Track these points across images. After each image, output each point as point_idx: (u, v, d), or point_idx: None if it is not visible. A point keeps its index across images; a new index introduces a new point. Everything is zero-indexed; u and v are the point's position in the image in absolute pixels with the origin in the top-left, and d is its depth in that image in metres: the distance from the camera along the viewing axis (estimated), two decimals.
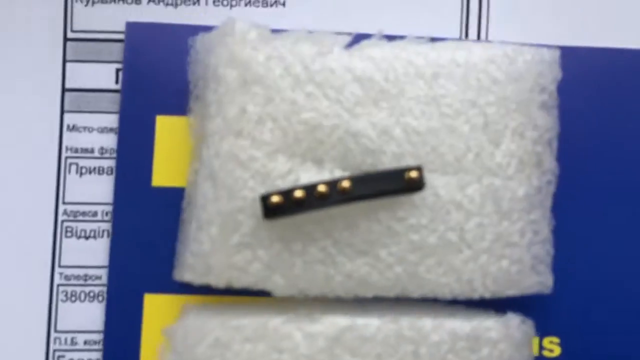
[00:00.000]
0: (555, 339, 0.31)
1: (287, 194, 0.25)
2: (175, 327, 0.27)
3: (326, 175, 0.27)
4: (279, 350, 0.26)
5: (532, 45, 0.29)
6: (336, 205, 0.26)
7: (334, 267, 0.27)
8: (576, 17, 0.32)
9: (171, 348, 0.26)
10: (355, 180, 0.26)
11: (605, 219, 0.31)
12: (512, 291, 0.28)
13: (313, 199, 0.25)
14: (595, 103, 0.31)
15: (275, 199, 0.25)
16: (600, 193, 0.31)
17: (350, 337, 0.26)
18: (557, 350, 0.31)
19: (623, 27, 0.32)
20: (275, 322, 0.26)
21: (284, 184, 0.27)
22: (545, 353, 0.31)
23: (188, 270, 0.27)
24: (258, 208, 0.26)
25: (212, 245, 0.27)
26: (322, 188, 0.25)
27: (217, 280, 0.27)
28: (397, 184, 0.26)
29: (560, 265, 0.30)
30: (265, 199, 0.26)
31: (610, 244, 0.31)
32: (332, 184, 0.25)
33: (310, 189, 0.25)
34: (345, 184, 0.25)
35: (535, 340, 0.31)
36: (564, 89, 0.30)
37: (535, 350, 0.31)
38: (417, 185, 0.26)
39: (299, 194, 0.25)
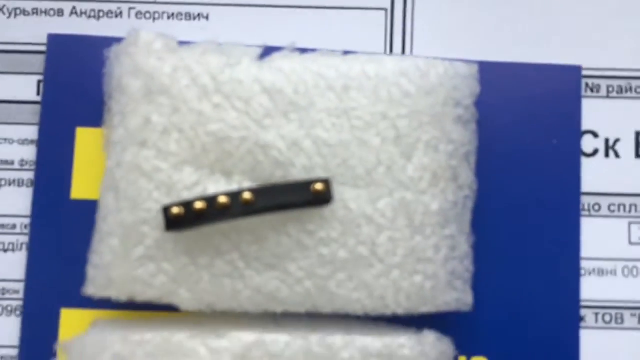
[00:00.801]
0: (483, 359, 0.31)
1: (187, 205, 0.25)
2: (73, 341, 0.26)
3: (235, 188, 0.27)
4: None
5: (448, 59, 0.29)
6: (238, 217, 0.26)
7: (242, 281, 0.27)
8: (496, 33, 0.33)
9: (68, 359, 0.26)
10: (258, 192, 0.25)
11: (528, 233, 0.31)
12: (426, 308, 0.28)
13: (214, 211, 0.25)
14: (516, 117, 0.32)
15: (175, 210, 0.25)
16: (521, 207, 0.31)
17: (257, 354, 0.26)
18: None
19: (542, 41, 0.33)
20: (180, 337, 0.26)
21: (191, 196, 0.26)
22: None
23: (89, 283, 0.27)
24: (162, 220, 0.26)
25: (114, 258, 0.26)
26: (223, 199, 0.25)
27: (119, 293, 0.26)
28: (302, 196, 0.26)
29: (484, 282, 0.30)
30: (166, 210, 0.25)
31: (532, 258, 0.31)
32: (234, 196, 0.25)
33: (211, 200, 0.25)
34: (247, 195, 0.25)
35: None
36: (484, 104, 0.30)
37: None
38: (323, 197, 0.26)
39: (199, 205, 0.25)
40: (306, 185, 0.26)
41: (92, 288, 0.27)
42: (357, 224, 0.27)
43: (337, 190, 0.27)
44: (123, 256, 0.26)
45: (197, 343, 0.26)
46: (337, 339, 0.26)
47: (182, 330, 0.26)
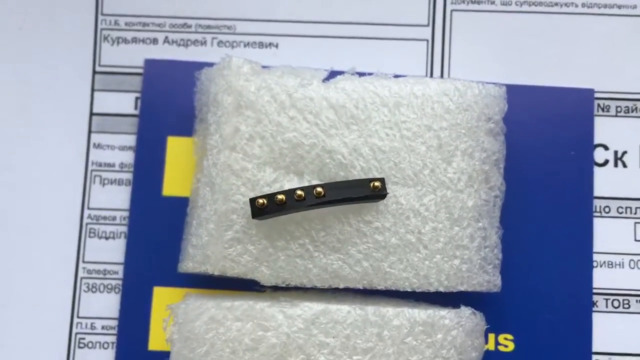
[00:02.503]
0: (509, 336, 0.34)
1: (271, 197, 0.30)
2: (178, 305, 0.30)
3: (306, 185, 0.31)
4: (263, 328, 0.30)
5: (481, 82, 0.33)
6: (312, 207, 0.30)
7: (312, 261, 0.31)
8: (521, 60, 0.36)
9: (174, 321, 0.30)
10: (328, 187, 0.30)
11: (548, 230, 0.35)
12: (462, 287, 0.32)
13: (292, 202, 0.30)
14: (538, 132, 0.35)
15: (260, 200, 0.30)
16: (543, 207, 0.35)
17: (324, 320, 0.30)
18: (511, 346, 0.34)
19: (561, 68, 0.36)
20: (262, 305, 0.30)
21: (270, 191, 0.31)
22: (501, 348, 0.34)
23: (189, 260, 0.31)
24: (248, 210, 0.31)
25: (210, 239, 0.31)
26: (300, 192, 0.29)
27: (213, 268, 0.31)
28: (363, 191, 0.30)
29: (511, 269, 0.34)
30: (253, 201, 0.30)
31: (552, 251, 0.35)
32: (309, 190, 0.30)
33: (290, 193, 0.30)
34: (320, 189, 0.30)
35: (492, 337, 0.34)
36: (511, 120, 0.34)
37: (491, 346, 0.34)
38: (380, 193, 0.30)
39: (280, 196, 0.29)
40: (367, 182, 0.30)
41: (190, 264, 0.31)
42: (406, 216, 0.31)
43: (390, 188, 0.31)
44: (217, 238, 0.31)
45: (276, 310, 0.30)
46: (390, 310, 0.31)
47: (263, 300, 0.31)
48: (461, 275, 0.32)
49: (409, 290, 0.32)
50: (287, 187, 0.31)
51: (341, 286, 0.31)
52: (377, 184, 0.30)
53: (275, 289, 0.32)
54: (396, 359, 0.30)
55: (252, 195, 0.31)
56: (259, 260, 0.31)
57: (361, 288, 0.32)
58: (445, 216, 0.32)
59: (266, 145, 0.32)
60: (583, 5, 0.37)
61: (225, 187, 0.31)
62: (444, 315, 0.31)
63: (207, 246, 0.31)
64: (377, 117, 0.32)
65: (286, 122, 0.32)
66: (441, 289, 0.32)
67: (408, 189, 0.32)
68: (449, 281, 0.32)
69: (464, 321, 0.31)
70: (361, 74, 0.33)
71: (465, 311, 0.32)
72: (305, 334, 0.30)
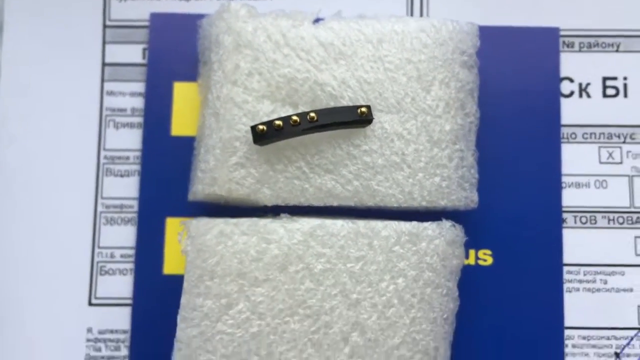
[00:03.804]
0: (488, 251, 0.37)
1: (269, 123, 0.33)
2: (190, 220, 0.34)
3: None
4: (267, 241, 0.33)
5: (456, 20, 0.36)
6: (307, 132, 0.33)
7: (308, 181, 0.34)
8: (495, 2, 0.39)
9: (187, 235, 0.33)
10: (321, 112, 0.33)
11: (520, 154, 0.38)
12: (443, 202, 0.35)
13: (289, 127, 0.33)
14: (509, 67, 0.38)
15: (260, 127, 0.33)
16: (516, 134, 0.38)
17: (321, 232, 0.34)
18: (489, 260, 0.37)
19: (529, 9, 0.39)
20: (265, 221, 0.34)
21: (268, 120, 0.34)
22: (480, 262, 0.37)
23: (198, 183, 0.34)
24: (250, 138, 0.34)
25: (216, 163, 0.34)
26: (295, 118, 0.33)
27: (220, 189, 0.34)
28: (352, 116, 0.33)
29: (488, 190, 0.37)
30: (253, 128, 0.33)
31: (525, 173, 0.38)
32: (303, 115, 0.33)
33: (287, 119, 0.33)
34: (313, 114, 0.33)
35: (472, 252, 0.37)
36: (484, 56, 0.37)
37: (472, 261, 0.37)
38: (367, 118, 0.34)
39: (278, 122, 0.33)
40: (355, 108, 0.34)
41: (200, 186, 0.34)
42: (391, 139, 0.35)
43: (376, 115, 0.34)
44: (222, 162, 0.34)
45: (277, 225, 0.34)
46: (378, 223, 0.34)
47: (266, 218, 0.34)
48: (441, 192, 0.35)
49: (395, 205, 0.35)
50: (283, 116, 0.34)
51: (335, 204, 0.35)
52: (363, 109, 0.34)
53: (276, 214, 0.35)
54: (385, 265, 0.34)
55: (253, 124, 0.34)
56: (261, 182, 0.34)
57: (353, 205, 0.35)
58: (425, 139, 0.35)
59: (264, 80, 0.35)
60: None
61: (228, 117, 0.34)
62: (427, 226, 0.34)
63: (214, 170, 0.34)
64: (362, 52, 0.35)
65: (281, 59, 0.35)
66: (424, 204, 0.35)
67: (392, 116, 0.35)
68: (430, 196, 0.35)
69: (444, 232, 0.35)
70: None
71: (446, 223, 0.35)
72: (304, 245, 0.34)
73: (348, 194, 0.35)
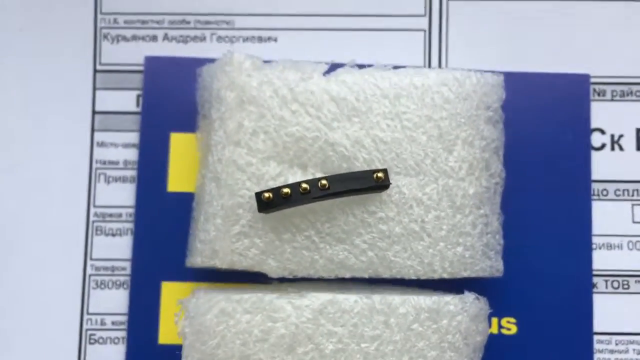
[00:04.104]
0: (512, 319, 0.35)
1: (276, 190, 0.30)
2: (189, 299, 0.31)
3: (309, 177, 0.31)
4: (273, 320, 0.31)
5: (479, 70, 0.34)
6: (317, 200, 0.31)
7: (318, 252, 0.32)
8: (518, 48, 0.37)
9: (185, 315, 0.31)
10: (332, 179, 0.30)
11: (549, 213, 0.35)
12: (466, 273, 0.32)
13: (298, 195, 0.30)
14: (537, 118, 0.36)
15: (266, 195, 0.30)
16: (542, 191, 0.36)
17: (332, 309, 0.31)
18: (514, 329, 0.35)
19: (557, 54, 0.37)
20: (270, 297, 0.31)
21: (275, 185, 0.31)
22: (504, 331, 0.35)
23: (197, 255, 0.32)
24: (254, 204, 0.31)
25: (217, 234, 0.31)
26: (304, 185, 0.30)
27: (222, 262, 0.31)
28: (367, 182, 0.31)
29: (512, 253, 0.35)
30: (259, 195, 0.30)
31: (552, 234, 0.35)
32: (314, 182, 0.30)
33: (295, 186, 0.30)
34: (324, 182, 0.30)
35: (495, 321, 0.35)
36: (509, 107, 0.35)
37: (495, 330, 0.35)
38: (383, 183, 0.31)
39: (286, 190, 0.30)
40: (370, 174, 0.31)
41: (199, 258, 0.32)
42: (409, 205, 0.32)
43: (393, 179, 0.32)
44: (224, 233, 0.31)
45: (284, 301, 0.31)
46: (396, 298, 0.31)
47: (272, 293, 0.32)
48: (464, 262, 0.32)
49: (414, 278, 0.32)
50: (291, 180, 0.32)
51: (347, 276, 0.32)
52: (380, 174, 0.31)
53: (282, 280, 0.33)
54: (403, 345, 0.31)
55: (258, 189, 0.32)
56: (266, 253, 0.32)
57: (367, 277, 0.32)
58: (447, 204, 0.32)
59: (270, 140, 0.32)
60: None
61: (230, 182, 0.32)
62: (449, 301, 0.32)
63: (214, 241, 0.31)
64: (378, 108, 0.33)
65: (289, 116, 0.32)
66: (445, 276, 0.32)
67: (410, 179, 0.32)
68: (452, 268, 0.32)
69: (468, 306, 0.32)
70: (361, 66, 0.34)
71: (469, 297, 0.32)
72: (314, 323, 0.31)
73: (362, 265, 0.32)
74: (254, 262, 0.32)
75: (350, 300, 0.31)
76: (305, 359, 0.31)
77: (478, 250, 0.33)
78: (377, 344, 0.31)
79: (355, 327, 0.31)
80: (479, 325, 0.32)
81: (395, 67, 0.34)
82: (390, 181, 0.32)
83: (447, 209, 0.32)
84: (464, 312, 0.32)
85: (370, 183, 0.31)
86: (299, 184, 0.30)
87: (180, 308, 0.31)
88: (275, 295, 0.31)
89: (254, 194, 0.31)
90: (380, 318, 0.31)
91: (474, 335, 0.32)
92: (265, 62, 0.34)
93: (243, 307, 0.31)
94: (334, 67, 0.34)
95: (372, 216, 0.32)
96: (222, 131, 0.32)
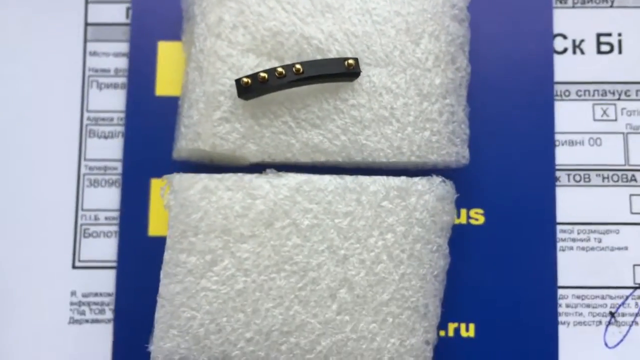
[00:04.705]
0: (480, 210, 0.37)
1: (254, 76, 0.32)
2: (173, 175, 0.33)
3: None
4: (252, 197, 0.33)
5: None
6: (293, 85, 0.32)
7: (294, 137, 0.34)
8: None
9: (170, 189, 0.33)
10: (306, 64, 0.32)
11: (513, 112, 0.37)
12: (433, 157, 0.34)
13: (274, 79, 0.32)
14: (502, 22, 0.38)
15: (245, 80, 0.32)
16: (508, 91, 0.37)
17: (307, 188, 0.33)
18: (481, 219, 0.37)
19: None
20: (250, 177, 0.33)
21: None
22: (472, 221, 0.37)
23: (182, 138, 0.34)
24: (235, 92, 0.33)
25: (200, 118, 0.33)
26: (280, 70, 0.32)
27: (204, 144, 0.33)
28: (338, 68, 0.33)
29: (480, 147, 0.36)
30: (238, 81, 0.32)
31: (518, 131, 0.37)
32: (289, 67, 0.32)
33: (272, 71, 0.32)
34: (298, 66, 0.32)
35: (463, 211, 0.37)
36: (477, 11, 0.37)
37: (463, 220, 0.37)
38: (354, 70, 0.33)
39: (263, 75, 0.32)
40: (342, 61, 0.33)
41: (184, 141, 0.33)
42: (379, 93, 0.34)
43: (364, 69, 0.34)
44: (206, 117, 0.33)
45: (263, 180, 0.33)
46: (366, 178, 0.33)
47: (251, 173, 0.34)
48: (431, 146, 0.34)
49: (384, 160, 0.34)
50: None
51: (322, 159, 0.34)
52: (351, 61, 0.33)
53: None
54: (374, 220, 0.33)
55: (237, 78, 0.33)
56: (246, 137, 0.34)
57: (340, 160, 0.34)
58: (415, 92, 0.34)
59: (249, 34, 0.34)
60: None
61: (212, 70, 0.34)
62: (416, 181, 0.34)
63: (198, 124, 0.33)
64: (349, 4, 0.35)
65: (266, 12, 0.34)
66: (413, 159, 0.34)
67: (380, 69, 0.34)
68: (420, 151, 0.34)
69: (435, 187, 0.34)
70: None
71: (436, 179, 0.34)
72: (291, 200, 0.33)
73: (335, 148, 0.34)
74: (235, 145, 0.34)
75: (325, 179, 0.33)
76: (283, 233, 0.33)
77: (444, 136, 0.35)
78: (350, 219, 0.33)
79: (329, 204, 0.33)
80: (445, 206, 0.34)
81: None
82: (362, 71, 0.34)
83: (415, 96, 0.34)
84: (431, 192, 0.34)
85: (341, 69, 0.33)
86: (275, 69, 0.32)
87: (165, 182, 0.33)
88: (255, 175, 0.33)
89: (234, 82, 0.33)
90: (353, 196, 0.33)
91: (441, 215, 0.34)
92: None
93: (225, 184, 0.33)
94: None
95: (344, 103, 0.34)
96: (204, 24, 0.34)
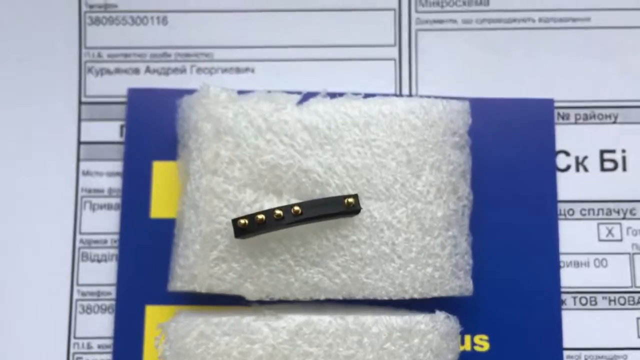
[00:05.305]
0: (484, 336, 0.36)
1: (251, 217, 0.31)
2: (168, 323, 0.32)
3: (284, 204, 0.33)
4: (250, 341, 0.32)
5: (446, 97, 0.35)
6: (291, 225, 0.32)
7: (293, 275, 0.33)
8: (484, 75, 0.38)
9: (165, 339, 0.32)
10: (305, 205, 0.32)
11: (517, 233, 0.36)
12: (436, 293, 0.33)
13: (272, 221, 0.31)
14: (503, 142, 0.37)
15: (242, 221, 0.31)
16: (510, 213, 0.37)
17: (307, 330, 0.32)
18: (486, 346, 0.36)
19: (521, 80, 0.38)
20: (248, 319, 0.32)
21: (251, 211, 0.32)
22: (477, 348, 0.36)
23: (177, 280, 0.33)
24: (231, 230, 0.32)
25: (196, 259, 0.32)
26: (278, 212, 0.31)
27: (200, 287, 0.32)
28: (338, 208, 0.32)
29: (483, 273, 0.36)
30: (235, 221, 0.32)
31: (521, 253, 0.36)
32: (287, 209, 0.31)
33: (269, 213, 0.31)
34: (297, 208, 0.31)
35: (467, 338, 0.36)
36: (476, 132, 0.36)
37: (468, 347, 0.36)
38: (354, 209, 0.32)
39: (260, 216, 0.31)
40: (341, 199, 0.32)
41: (179, 283, 0.33)
42: (380, 229, 0.33)
43: (364, 203, 0.33)
44: (202, 258, 0.32)
45: (261, 323, 0.32)
46: (368, 318, 0.32)
47: (249, 315, 0.33)
48: (434, 282, 0.34)
49: (386, 298, 0.33)
50: (267, 206, 0.33)
51: (322, 298, 0.33)
52: (350, 200, 0.32)
53: (261, 302, 0.34)
54: None
55: (235, 215, 0.33)
56: (244, 276, 0.33)
57: (341, 299, 0.33)
58: (416, 227, 0.33)
59: (245, 168, 0.33)
60: (540, 20, 0.39)
61: (208, 209, 0.33)
62: (420, 320, 0.33)
63: (193, 266, 0.33)
64: (348, 136, 0.34)
65: (263, 145, 0.33)
66: (416, 296, 0.33)
67: (381, 203, 0.34)
68: (423, 288, 0.33)
69: (438, 325, 0.33)
70: (333, 95, 0.35)
71: (440, 315, 0.33)
72: (290, 344, 0.32)
73: (336, 287, 0.33)
74: (232, 285, 0.33)
75: (325, 321, 0.32)
76: None
77: (447, 270, 0.34)
78: None
79: (330, 347, 0.32)
80: (449, 344, 0.33)
81: (368, 95, 0.35)
82: (362, 205, 0.33)
83: (417, 231, 0.33)
84: (435, 330, 0.33)
85: (341, 208, 0.32)
86: (272, 210, 0.32)
87: (160, 332, 0.32)
88: (253, 317, 0.32)
89: (230, 221, 0.32)
90: (354, 338, 0.32)
91: (445, 353, 0.33)
92: (242, 92, 0.35)
93: (222, 329, 0.32)
94: (307, 96, 0.35)
95: (344, 240, 0.33)
96: (199, 160, 0.33)
